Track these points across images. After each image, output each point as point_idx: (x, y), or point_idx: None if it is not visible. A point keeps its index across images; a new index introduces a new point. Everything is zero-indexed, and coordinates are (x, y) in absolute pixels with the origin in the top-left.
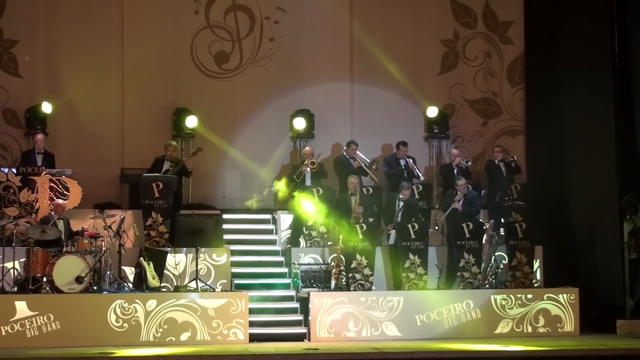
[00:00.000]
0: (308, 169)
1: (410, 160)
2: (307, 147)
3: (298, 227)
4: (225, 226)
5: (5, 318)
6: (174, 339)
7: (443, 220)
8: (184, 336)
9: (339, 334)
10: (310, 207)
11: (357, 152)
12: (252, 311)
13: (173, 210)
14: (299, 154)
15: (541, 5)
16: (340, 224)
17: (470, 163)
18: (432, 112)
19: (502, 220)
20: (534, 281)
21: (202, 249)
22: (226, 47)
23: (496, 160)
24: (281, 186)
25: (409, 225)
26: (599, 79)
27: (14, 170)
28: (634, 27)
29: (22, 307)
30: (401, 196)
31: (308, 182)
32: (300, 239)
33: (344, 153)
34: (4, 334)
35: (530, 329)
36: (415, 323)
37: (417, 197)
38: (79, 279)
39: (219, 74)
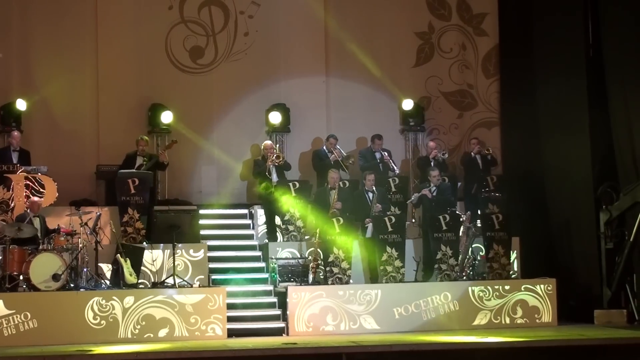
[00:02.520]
0: (276, 164)
1: (386, 153)
2: (267, 141)
3: (272, 220)
4: (201, 221)
5: None
6: (152, 335)
7: (414, 201)
8: (162, 332)
9: (318, 328)
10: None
11: (337, 146)
12: (230, 306)
13: (149, 206)
14: (276, 148)
15: None
16: (318, 217)
17: (447, 155)
18: (408, 104)
19: (479, 212)
20: (511, 272)
21: (179, 245)
22: (201, 42)
23: (472, 153)
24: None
25: (386, 218)
26: (574, 70)
27: None
28: (608, 17)
29: None
30: (368, 185)
31: (275, 177)
32: (277, 233)
33: (324, 147)
34: None
35: (508, 320)
36: (393, 316)
37: (393, 190)
38: (55, 277)
39: (194, 69)
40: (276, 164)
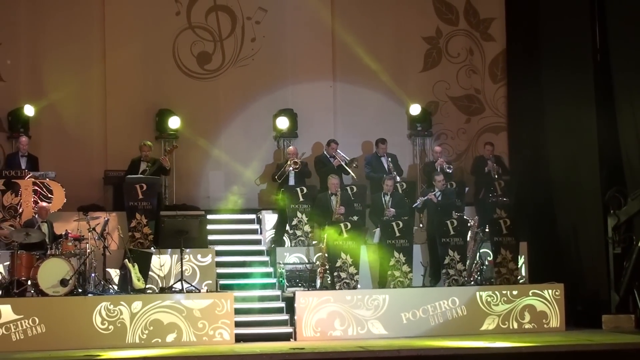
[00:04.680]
0: (291, 169)
1: (390, 160)
2: (290, 147)
3: (283, 226)
4: (209, 227)
5: None
6: (159, 340)
7: (419, 205)
8: (170, 337)
9: (325, 333)
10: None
11: (338, 150)
12: (237, 311)
13: (157, 211)
14: (282, 153)
15: (522, 1)
16: (321, 223)
17: (451, 170)
18: (415, 109)
19: (487, 216)
20: (519, 277)
21: (187, 250)
22: (208, 48)
23: (487, 169)
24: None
25: (394, 223)
26: (581, 75)
27: None
28: (615, 22)
29: (7, 311)
30: (385, 189)
31: (292, 181)
32: (284, 237)
33: (325, 152)
34: None
35: (516, 325)
36: (401, 321)
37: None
38: (63, 282)
39: (201, 74)
40: (291, 168)
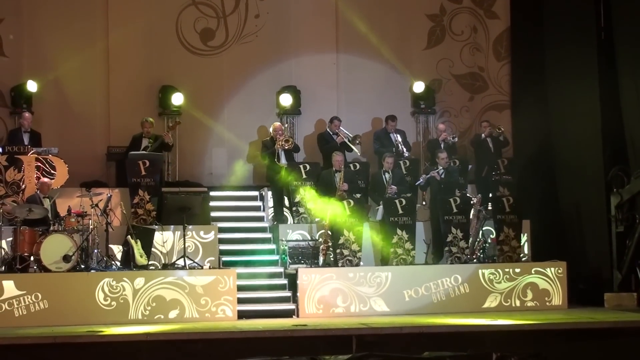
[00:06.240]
0: (285, 147)
1: (399, 136)
2: (276, 123)
3: (280, 202)
4: (212, 203)
5: None
6: (162, 316)
7: (422, 183)
8: (173, 314)
9: (328, 309)
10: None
11: (341, 127)
12: (240, 288)
13: (159, 187)
14: (287, 129)
15: None
16: (325, 200)
17: (456, 139)
18: (419, 87)
19: (490, 194)
20: (521, 255)
21: (190, 227)
22: (211, 24)
23: (483, 135)
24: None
25: (397, 201)
26: (585, 53)
27: (0, 150)
28: (619, 0)
29: (9, 287)
30: (386, 166)
31: (283, 160)
32: (286, 215)
33: (327, 129)
34: None
35: (518, 303)
36: (403, 298)
37: (404, 172)
38: (66, 258)
39: (205, 51)
40: (285, 147)
